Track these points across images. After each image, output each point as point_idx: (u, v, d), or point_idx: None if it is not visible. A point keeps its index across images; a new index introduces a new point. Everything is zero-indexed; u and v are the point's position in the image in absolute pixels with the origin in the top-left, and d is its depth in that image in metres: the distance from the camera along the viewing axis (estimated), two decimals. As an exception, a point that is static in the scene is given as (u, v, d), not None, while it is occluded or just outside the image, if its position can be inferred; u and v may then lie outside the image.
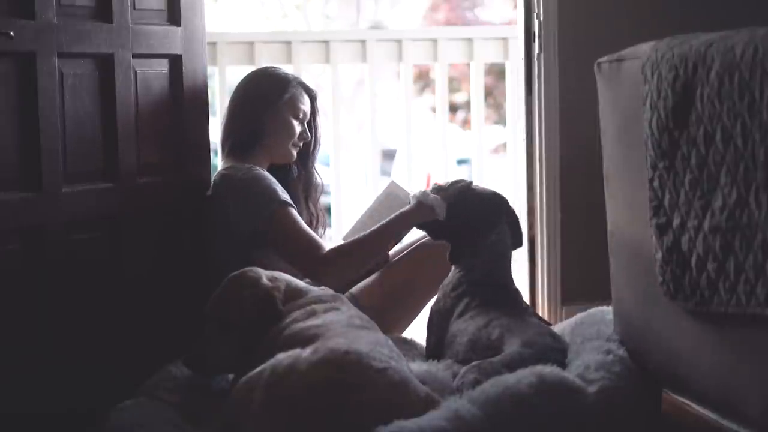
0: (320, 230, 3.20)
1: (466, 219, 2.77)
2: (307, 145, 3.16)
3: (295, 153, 3.11)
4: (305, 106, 3.10)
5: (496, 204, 2.81)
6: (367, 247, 2.89)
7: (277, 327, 2.36)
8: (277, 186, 2.94)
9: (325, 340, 2.17)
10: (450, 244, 2.81)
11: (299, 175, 3.18)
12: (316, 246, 2.86)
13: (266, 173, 2.97)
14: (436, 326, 2.74)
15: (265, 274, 2.51)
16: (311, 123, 3.16)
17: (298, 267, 2.85)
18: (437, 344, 2.71)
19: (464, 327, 2.62)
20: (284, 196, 2.92)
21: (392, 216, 2.89)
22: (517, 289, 2.76)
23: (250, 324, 2.41)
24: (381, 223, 2.90)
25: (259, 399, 2.07)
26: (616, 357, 2.40)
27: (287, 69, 3.26)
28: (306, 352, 2.12)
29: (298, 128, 3.08)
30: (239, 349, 2.41)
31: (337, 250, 2.86)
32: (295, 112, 3.07)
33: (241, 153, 3.04)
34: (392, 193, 3.19)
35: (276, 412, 2.04)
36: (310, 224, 3.14)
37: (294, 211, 2.92)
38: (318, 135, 3.20)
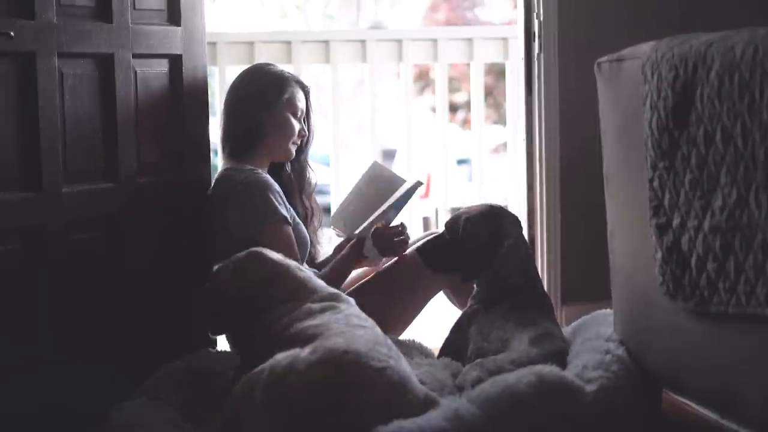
0: (315, 223, 3.20)
1: (468, 244, 2.76)
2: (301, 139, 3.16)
3: (293, 151, 3.11)
4: (302, 103, 3.10)
5: (490, 218, 2.79)
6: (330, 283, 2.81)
7: (278, 325, 2.36)
8: (277, 196, 2.93)
9: (324, 340, 2.17)
10: (466, 272, 2.81)
11: (292, 170, 3.18)
12: None
13: (269, 179, 2.96)
14: (462, 329, 2.77)
15: (271, 262, 2.50)
16: (306, 118, 3.16)
17: None
18: (455, 344, 2.75)
19: (482, 332, 2.65)
20: (282, 210, 2.91)
21: (340, 256, 3.04)
22: (542, 293, 2.75)
23: (237, 317, 2.44)
24: (333, 263, 3.04)
25: (259, 398, 2.07)
26: (614, 357, 2.41)
27: (287, 69, 3.25)
28: (305, 352, 2.12)
29: (297, 126, 3.08)
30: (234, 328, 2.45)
31: None
32: (294, 111, 3.07)
33: (242, 153, 3.04)
34: (376, 172, 3.20)
35: (275, 411, 2.04)
36: (305, 218, 3.15)
37: (288, 229, 2.91)
38: (312, 130, 3.19)
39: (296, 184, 3.17)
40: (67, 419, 2.56)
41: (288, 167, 3.17)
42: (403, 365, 2.20)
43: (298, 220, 3.05)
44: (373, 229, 3.01)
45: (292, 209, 3.04)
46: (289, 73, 3.14)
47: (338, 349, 2.11)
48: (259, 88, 3.06)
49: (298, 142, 3.11)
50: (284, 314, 2.38)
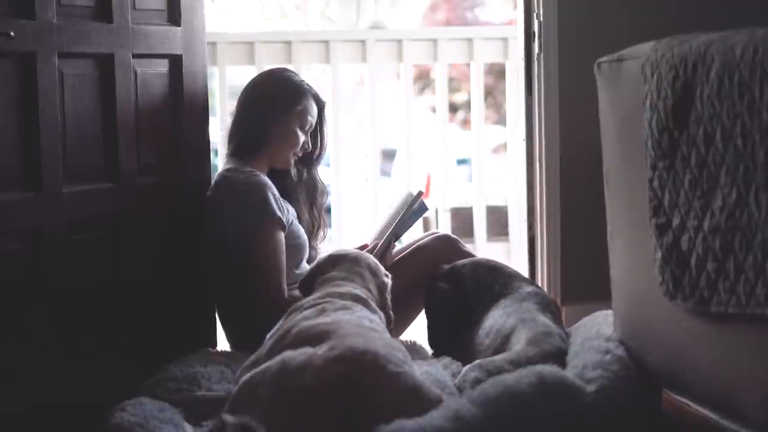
0: (321, 234, 3.20)
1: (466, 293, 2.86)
2: (312, 151, 3.16)
3: (293, 162, 3.11)
4: (313, 117, 3.09)
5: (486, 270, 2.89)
6: None
7: (287, 324, 2.36)
8: (274, 199, 2.92)
9: (342, 338, 2.16)
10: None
11: (302, 181, 3.18)
12: (279, 287, 2.86)
13: (267, 181, 2.96)
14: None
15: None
16: (317, 131, 3.16)
17: (253, 293, 2.86)
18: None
19: (483, 327, 2.69)
20: (278, 212, 2.90)
21: None
22: (528, 292, 2.79)
23: None
24: None
25: (266, 393, 2.06)
26: (614, 356, 2.40)
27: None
28: (322, 349, 2.11)
29: (302, 138, 3.07)
30: None
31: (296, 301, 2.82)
32: (303, 124, 3.06)
33: (244, 153, 3.04)
34: (403, 198, 3.19)
35: (283, 406, 2.03)
36: (312, 228, 3.15)
37: (281, 236, 2.91)
38: (324, 143, 3.19)
39: (306, 196, 3.17)
40: (67, 419, 2.56)
41: (295, 176, 3.16)
42: (417, 372, 2.19)
43: (295, 221, 3.05)
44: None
45: (290, 210, 3.04)
46: (308, 85, 3.12)
47: (357, 348, 2.10)
48: (275, 94, 3.06)
49: (300, 155, 3.11)
50: (303, 308, 2.40)
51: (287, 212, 2.99)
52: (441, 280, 2.90)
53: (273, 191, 2.94)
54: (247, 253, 2.87)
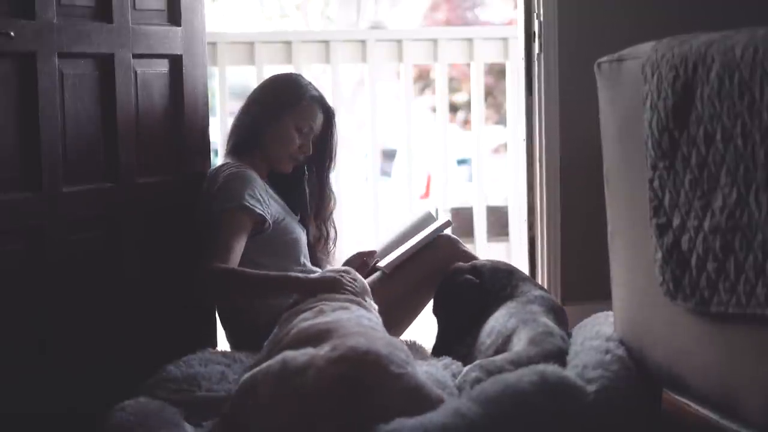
0: (330, 246, 3.18)
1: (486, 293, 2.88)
2: (322, 161, 3.14)
3: (290, 166, 3.06)
4: (313, 121, 3.04)
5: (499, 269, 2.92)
6: (258, 288, 2.80)
7: (285, 327, 2.36)
8: (250, 188, 2.86)
9: (343, 338, 2.16)
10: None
11: (313, 191, 3.16)
12: (213, 256, 2.73)
13: (250, 174, 2.92)
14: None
15: None
16: (327, 139, 3.12)
17: (197, 261, 2.79)
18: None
19: (485, 327, 2.71)
20: (249, 200, 2.84)
21: (299, 275, 2.84)
22: (535, 296, 2.79)
23: None
24: (284, 275, 2.83)
25: (266, 393, 2.06)
26: (614, 356, 2.40)
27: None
28: (324, 349, 2.11)
29: (297, 140, 3.04)
30: None
31: (228, 271, 2.73)
32: (299, 125, 3.02)
33: (241, 153, 3.03)
34: (420, 217, 3.18)
35: (284, 406, 2.03)
36: (317, 241, 3.14)
37: (242, 218, 2.82)
38: (333, 151, 3.16)
39: (315, 207, 3.15)
40: (67, 419, 2.56)
41: (307, 186, 3.14)
42: (419, 372, 2.19)
43: (288, 218, 3.02)
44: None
45: (280, 211, 3.00)
46: (316, 91, 3.09)
47: (359, 348, 2.09)
48: (275, 94, 3.05)
49: (299, 158, 3.07)
50: (299, 312, 2.40)
51: (279, 215, 2.95)
52: (466, 274, 2.90)
53: (254, 184, 2.89)
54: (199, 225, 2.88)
